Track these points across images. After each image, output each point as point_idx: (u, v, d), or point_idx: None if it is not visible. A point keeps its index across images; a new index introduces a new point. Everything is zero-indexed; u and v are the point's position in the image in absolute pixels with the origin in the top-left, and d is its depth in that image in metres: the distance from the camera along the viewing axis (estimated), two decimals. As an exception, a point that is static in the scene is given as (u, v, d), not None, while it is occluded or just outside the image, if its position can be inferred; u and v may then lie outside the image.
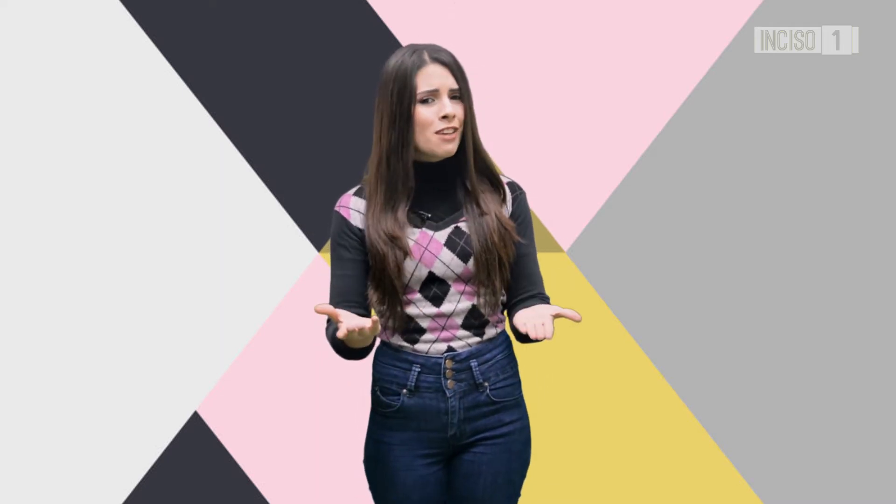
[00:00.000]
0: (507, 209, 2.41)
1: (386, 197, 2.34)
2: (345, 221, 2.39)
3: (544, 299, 2.44)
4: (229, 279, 3.70)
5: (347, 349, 2.35)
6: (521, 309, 2.33)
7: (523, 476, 2.48)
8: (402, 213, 2.34)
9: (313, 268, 3.68)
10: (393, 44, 3.62)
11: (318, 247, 3.70)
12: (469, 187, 2.37)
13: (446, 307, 2.37)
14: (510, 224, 2.38)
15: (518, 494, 2.48)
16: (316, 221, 3.69)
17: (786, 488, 3.67)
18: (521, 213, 2.43)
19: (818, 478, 3.66)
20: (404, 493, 2.41)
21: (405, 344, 2.40)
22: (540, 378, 3.61)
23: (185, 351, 3.70)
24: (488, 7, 3.65)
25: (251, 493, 3.70)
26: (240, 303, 3.70)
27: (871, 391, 3.66)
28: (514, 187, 2.45)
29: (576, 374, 3.66)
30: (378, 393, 2.44)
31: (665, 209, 3.66)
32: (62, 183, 3.69)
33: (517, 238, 2.39)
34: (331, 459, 3.67)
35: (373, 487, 2.47)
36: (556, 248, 3.64)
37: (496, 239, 2.35)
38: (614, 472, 3.68)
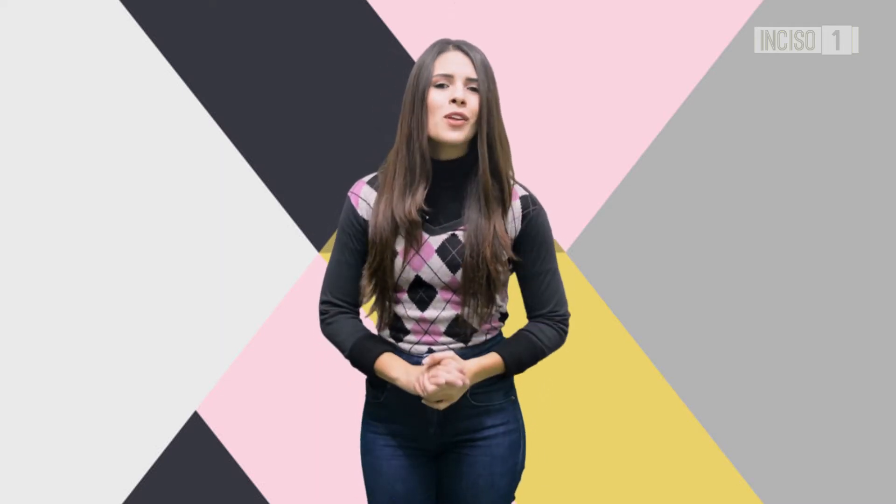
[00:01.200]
0: (515, 225, 2.38)
1: (407, 181, 2.34)
2: (352, 209, 2.41)
3: (552, 318, 2.42)
4: (229, 279, 3.70)
5: (365, 367, 2.41)
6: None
7: (513, 480, 2.47)
8: (420, 195, 2.33)
9: (313, 268, 3.68)
10: (393, 44, 3.62)
11: (318, 247, 3.70)
12: (478, 192, 2.35)
13: (430, 313, 2.38)
14: (506, 241, 2.35)
15: (508, 498, 2.47)
16: (316, 221, 3.69)
17: (786, 488, 3.67)
18: (533, 232, 2.39)
19: (818, 478, 3.66)
20: (388, 483, 2.44)
21: (391, 340, 2.43)
22: (540, 378, 3.61)
23: (185, 351, 3.70)
24: (488, 8, 3.65)
25: (251, 493, 3.70)
26: (240, 303, 3.70)
27: (871, 391, 3.66)
28: (527, 203, 2.39)
29: (576, 374, 3.66)
30: (368, 384, 2.48)
31: (665, 209, 3.66)
32: (62, 183, 3.69)
33: (511, 255, 2.37)
34: (331, 459, 3.67)
35: (364, 475, 2.50)
36: (556, 248, 3.64)
37: (488, 254, 2.33)
38: (615, 472, 3.68)
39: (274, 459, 3.71)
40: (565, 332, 2.44)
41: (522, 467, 2.50)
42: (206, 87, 3.69)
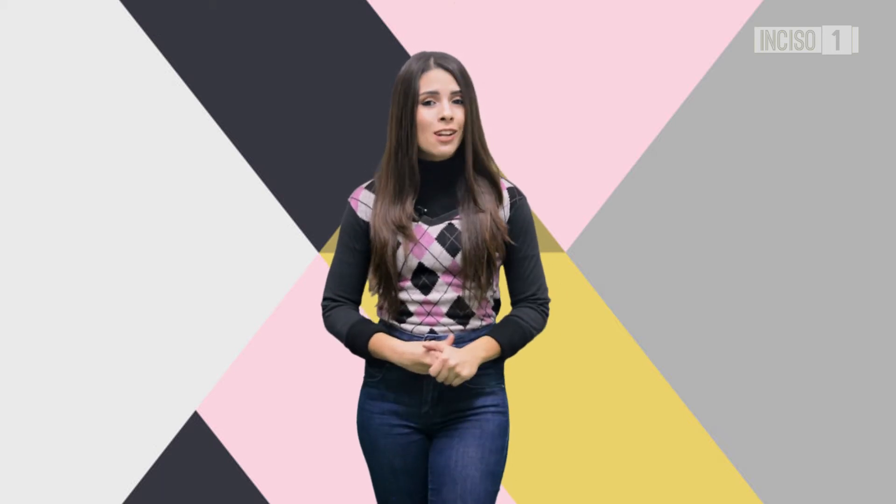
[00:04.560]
0: (505, 213, 2.54)
1: (396, 190, 2.52)
2: (352, 212, 2.57)
3: (535, 302, 2.57)
4: (229, 279, 3.70)
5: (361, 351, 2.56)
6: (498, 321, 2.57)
7: (500, 461, 2.54)
8: (409, 204, 2.51)
9: (313, 268, 3.68)
10: (394, 45, 3.62)
11: (319, 247, 3.70)
12: (468, 187, 2.51)
13: (433, 296, 2.52)
14: (503, 225, 2.52)
15: (495, 476, 2.52)
16: (316, 221, 3.69)
17: (786, 489, 3.67)
18: (520, 219, 2.56)
19: (818, 478, 3.66)
20: (387, 459, 2.56)
21: (394, 322, 2.55)
22: (539, 378, 3.61)
23: (185, 351, 3.70)
24: (489, 8, 3.65)
25: (251, 493, 3.70)
26: (240, 303, 3.70)
27: (871, 392, 3.66)
28: (514, 193, 2.57)
29: (575, 374, 3.66)
30: (367, 363, 2.60)
31: (665, 209, 3.66)
32: (62, 183, 3.69)
33: (507, 239, 2.52)
34: (331, 459, 3.67)
35: (363, 452, 2.61)
36: (556, 248, 3.64)
37: (487, 237, 2.49)
38: (614, 472, 3.68)
39: (274, 459, 3.71)
40: (547, 314, 2.59)
41: (506, 453, 2.58)
42: (206, 87, 3.69)
